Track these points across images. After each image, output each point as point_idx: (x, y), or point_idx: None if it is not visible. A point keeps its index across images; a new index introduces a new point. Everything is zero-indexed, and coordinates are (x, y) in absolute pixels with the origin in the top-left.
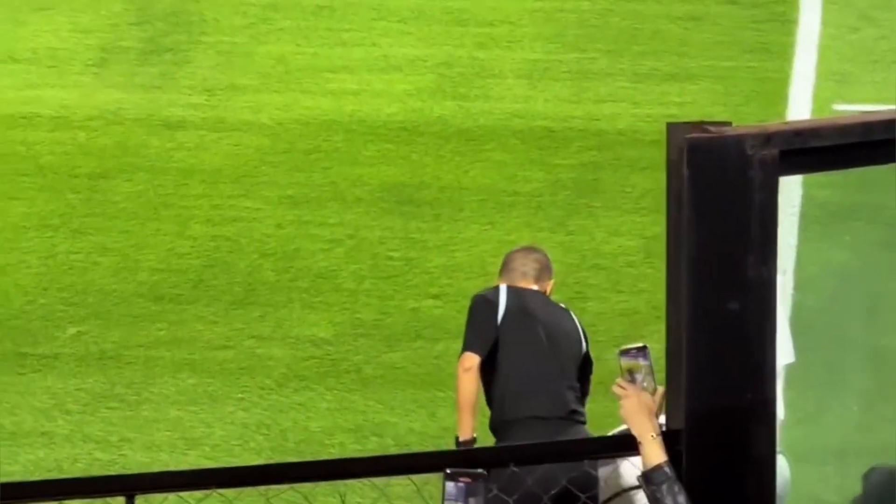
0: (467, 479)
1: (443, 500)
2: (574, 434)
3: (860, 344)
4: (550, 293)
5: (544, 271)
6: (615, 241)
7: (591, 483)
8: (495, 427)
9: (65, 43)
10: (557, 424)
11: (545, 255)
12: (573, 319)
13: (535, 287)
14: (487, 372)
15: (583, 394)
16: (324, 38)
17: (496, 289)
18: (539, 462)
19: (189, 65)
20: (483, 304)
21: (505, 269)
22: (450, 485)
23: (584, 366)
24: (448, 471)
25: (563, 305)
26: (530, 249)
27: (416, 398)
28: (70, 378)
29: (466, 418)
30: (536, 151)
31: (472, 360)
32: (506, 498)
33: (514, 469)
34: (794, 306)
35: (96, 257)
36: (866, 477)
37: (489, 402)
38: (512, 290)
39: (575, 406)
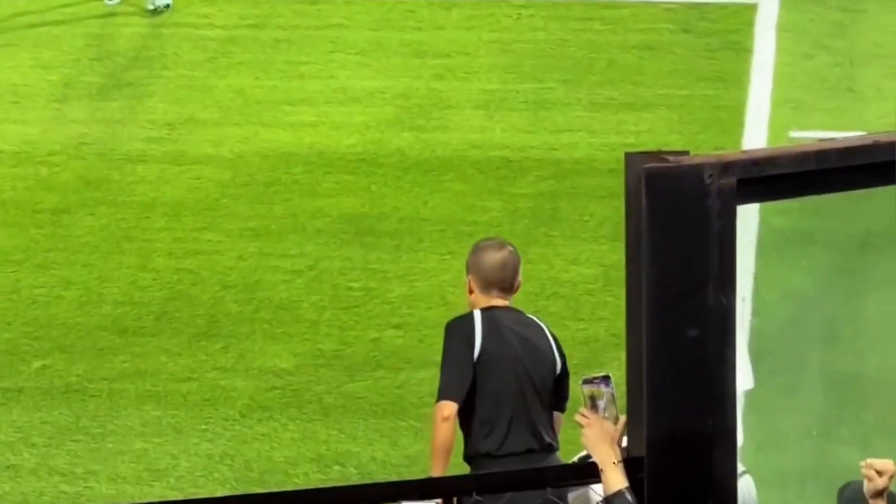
0: None
1: None
2: (548, 464)
3: (818, 368)
4: (518, 287)
5: (516, 276)
6: (574, 269)
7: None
8: (470, 457)
9: (27, 79)
10: (534, 459)
11: (517, 256)
12: (546, 336)
13: (507, 301)
14: (464, 402)
15: (560, 405)
16: (282, 70)
17: (471, 318)
18: (503, 490)
19: (150, 99)
20: (459, 342)
21: (483, 278)
22: None
23: (561, 381)
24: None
25: (536, 320)
26: (504, 252)
27: (378, 427)
28: (35, 411)
29: (440, 465)
30: (494, 181)
31: (451, 408)
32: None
33: (478, 498)
34: (753, 332)
35: (60, 291)
36: (841, 491)
37: (465, 431)
38: (486, 318)
39: (549, 438)
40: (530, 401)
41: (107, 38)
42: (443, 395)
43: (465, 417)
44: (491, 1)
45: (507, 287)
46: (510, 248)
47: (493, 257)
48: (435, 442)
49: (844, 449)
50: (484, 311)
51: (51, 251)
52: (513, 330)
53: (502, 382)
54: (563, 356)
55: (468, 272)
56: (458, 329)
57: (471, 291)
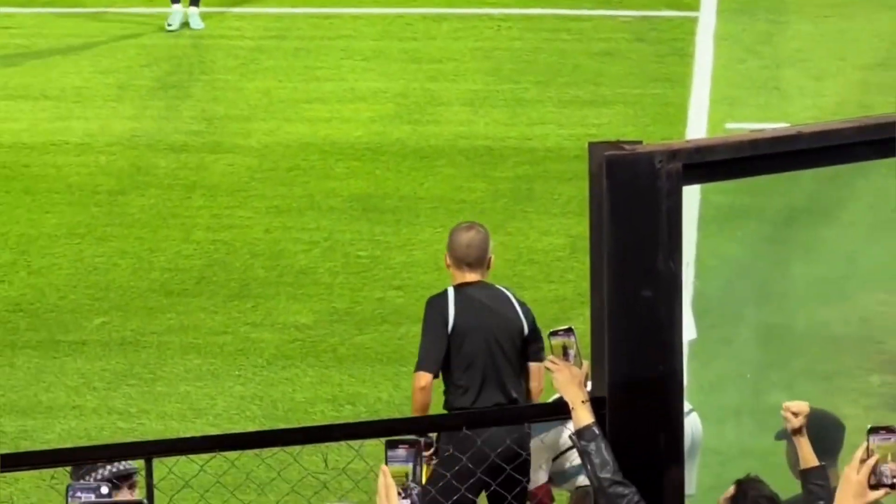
0: (405, 446)
1: (386, 462)
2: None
3: (752, 322)
4: (491, 266)
5: (485, 254)
6: (546, 239)
7: (527, 442)
8: (449, 409)
9: (87, 82)
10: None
11: (483, 235)
12: (513, 305)
13: (477, 276)
14: (444, 367)
15: (536, 356)
16: (301, 74)
17: (445, 296)
18: (488, 425)
19: (190, 99)
20: (434, 319)
21: (453, 256)
22: (391, 451)
23: (530, 340)
24: (387, 440)
25: (503, 290)
26: (471, 233)
27: (383, 373)
28: (96, 360)
29: None
30: (479, 166)
31: (426, 378)
32: (460, 455)
33: (467, 432)
34: (696, 292)
35: (116, 259)
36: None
37: (445, 390)
38: (458, 294)
39: (516, 394)
40: (499, 364)
41: (154, 47)
42: (420, 366)
43: (445, 379)
44: (475, 15)
45: (473, 262)
46: (477, 228)
47: (461, 237)
48: (414, 406)
49: (774, 390)
50: (457, 288)
51: (108, 226)
52: (482, 303)
53: (473, 350)
54: (530, 319)
55: (446, 251)
56: (434, 306)
57: (448, 266)
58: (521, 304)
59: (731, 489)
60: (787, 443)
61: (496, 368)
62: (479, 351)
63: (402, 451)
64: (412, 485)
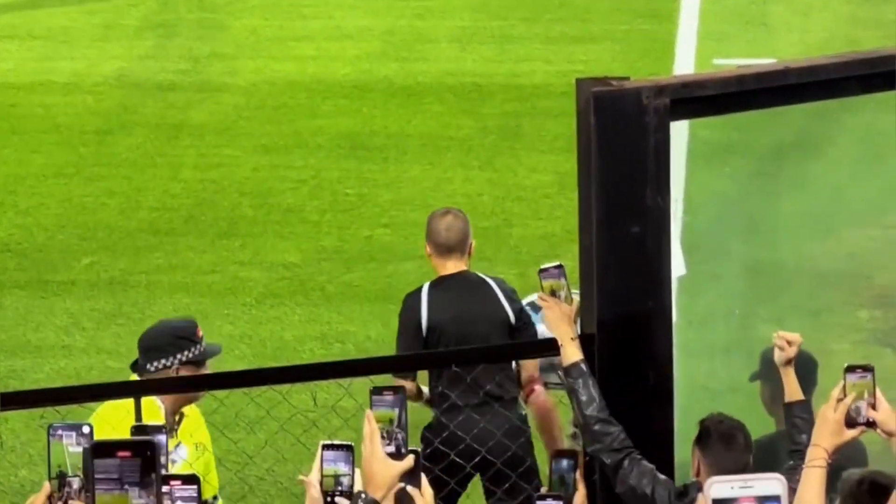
0: (391, 392)
1: (371, 407)
2: (495, 414)
3: (740, 258)
4: (472, 252)
5: (466, 237)
6: (534, 176)
7: (521, 436)
8: (434, 415)
9: (74, 22)
10: (485, 410)
11: (462, 219)
12: (495, 295)
13: (460, 264)
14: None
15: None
16: (287, 12)
17: (418, 296)
18: (476, 363)
19: (177, 38)
20: (406, 320)
21: (433, 242)
22: (376, 397)
23: (519, 329)
24: (372, 388)
25: (487, 279)
26: (448, 217)
27: (371, 311)
28: (85, 300)
29: None
30: (467, 103)
31: (405, 385)
32: (446, 450)
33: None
34: (685, 227)
35: (104, 199)
36: (763, 354)
37: (429, 391)
38: (432, 292)
39: (499, 392)
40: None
41: None
42: (397, 374)
43: (429, 384)
44: None
45: (454, 246)
46: (455, 212)
47: (438, 222)
48: None
49: (762, 325)
50: (433, 284)
51: (96, 166)
52: (460, 297)
53: (449, 344)
54: (517, 308)
55: (426, 239)
56: (406, 307)
57: (429, 255)
58: (507, 293)
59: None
60: (762, 382)
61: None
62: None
63: (387, 397)
64: (396, 430)
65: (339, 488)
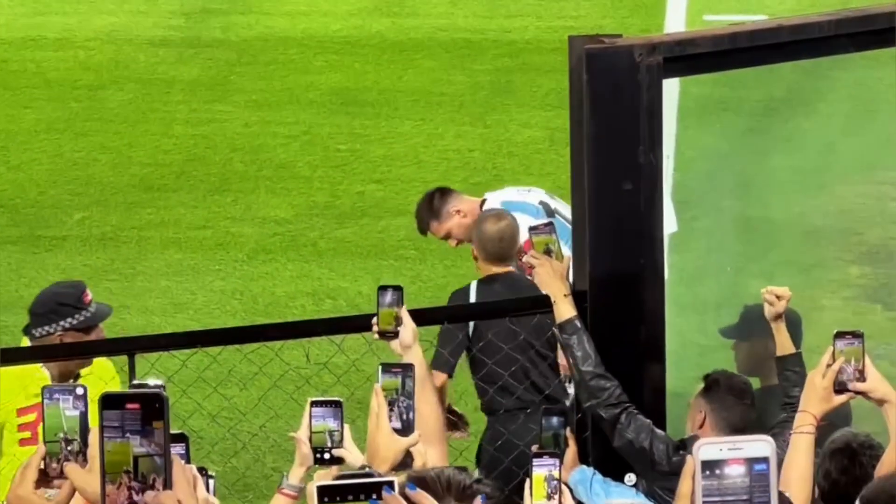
0: (398, 369)
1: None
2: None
3: (731, 215)
4: (520, 252)
5: (513, 245)
6: (525, 132)
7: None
8: (487, 411)
9: None
10: (537, 412)
11: (515, 225)
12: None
13: (508, 267)
14: (472, 363)
15: None
16: None
17: (466, 293)
18: (469, 319)
19: None
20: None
21: (485, 250)
22: (385, 375)
23: None
24: (381, 364)
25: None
26: (502, 224)
27: (363, 266)
28: (76, 255)
29: None
30: (458, 59)
31: (441, 379)
32: (500, 456)
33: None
34: (676, 184)
35: (96, 154)
36: (744, 311)
37: (477, 388)
38: (480, 291)
39: (549, 391)
40: (532, 359)
41: None
42: (434, 365)
43: (478, 377)
44: None
45: (505, 257)
46: (508, 219)
47: (491, 229)
48: None
49: (754, 281)
50: (481, 282)
51: (88, 121)
52: (508, 298)
53: (499, 350)
54: None
55: (473, 241)
56: (454, 304)
57: (475, 258)
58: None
59: (702, 385)
60: (738, 341)
61: (526, 366)
62: (507, 350)
63: (394, 370)
64: (402, 400)
65: (329, 444)
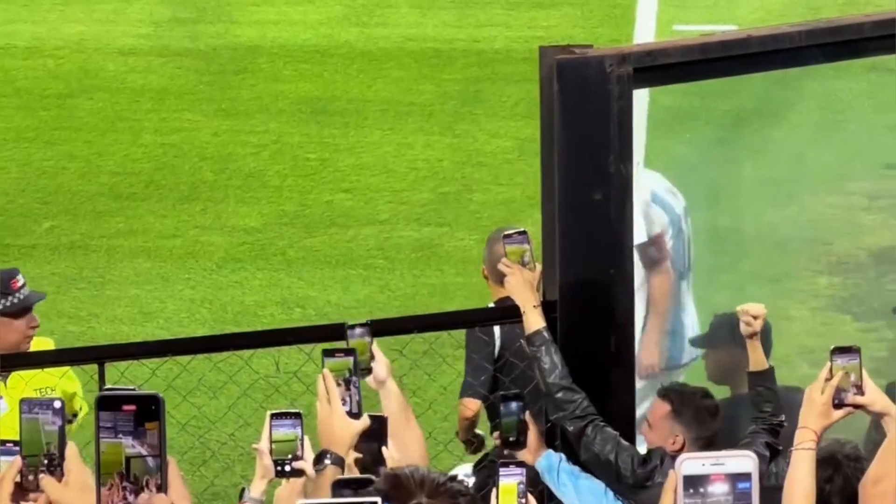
0: (341, 353)
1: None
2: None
3: (701, 224)
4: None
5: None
6: (495, 142)
7: None
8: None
9: None
10: None
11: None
12: None
13: None
14: (494, 382)
15: None
16: None
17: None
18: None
19: (138, 2)
20: (478, 342)
21: (489, 267)
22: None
23: None
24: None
25: None
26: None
27: (332, 275)
28: (45, 264)
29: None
30: (427, 68)
31: (474, 405)
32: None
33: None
34: None
35: (65, 163)
36: (714, 321)
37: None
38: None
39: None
40: None
41: None
42: (464, 393)
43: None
44: None
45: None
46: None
47: (501, 250)
48: (459, 436)
49: (723, 291)
50: (499, 301)
51: (57, 130)
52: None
53: (527, 376)
54: None
55: (483, 262)
56: (477, 332)
57: (486, 278)
58: None
59: (665, 404)
60: (708, 351)
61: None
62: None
63: (337, 354)
64: (350, 382)
65: (290, 456)
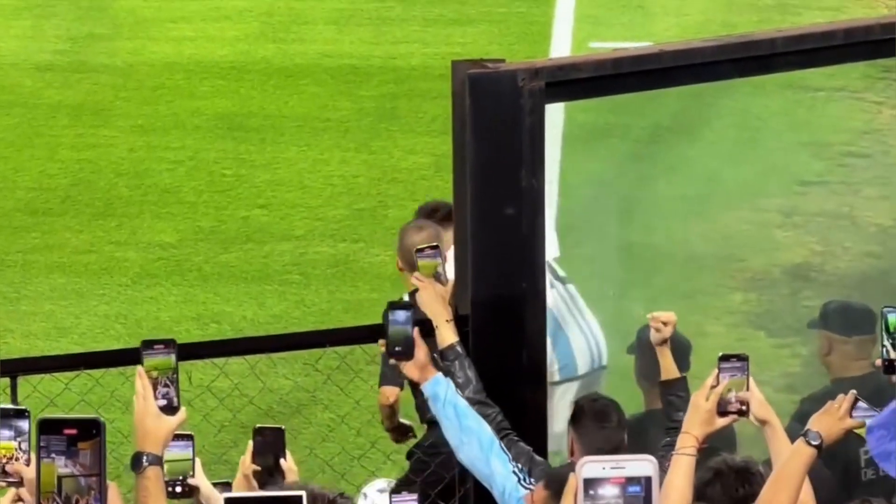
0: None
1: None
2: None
3: (615, 240)
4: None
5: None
6: (411, 158)
7: None
8: (428, 421)
9: None
10: None
11: (433, 234)
12: None
13: None
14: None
15: None
16: None
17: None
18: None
19: (55, 17)
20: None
21: (401, 256)
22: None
23: None
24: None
25: None
26: (420, 235)
27: (247, 291)
28: None
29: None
30: (344, 85)
31: (393, 393)
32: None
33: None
34: (560, 210)
35: None
36: (639, 333)
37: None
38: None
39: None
40: None
41: None
42: (382, 382)
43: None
44: None
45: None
46: (430, 229)
47: (415, 239)
48: (384, 425)
49: (636, 306)
50: (412, 293)
51: None
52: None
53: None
54: None
55: (398, 253)
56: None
57: (400, 269)
58: None
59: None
60: (638, 355)
61: None
62: None
63: (160, 348)
64: (170, 381)
65: (181, 476)
